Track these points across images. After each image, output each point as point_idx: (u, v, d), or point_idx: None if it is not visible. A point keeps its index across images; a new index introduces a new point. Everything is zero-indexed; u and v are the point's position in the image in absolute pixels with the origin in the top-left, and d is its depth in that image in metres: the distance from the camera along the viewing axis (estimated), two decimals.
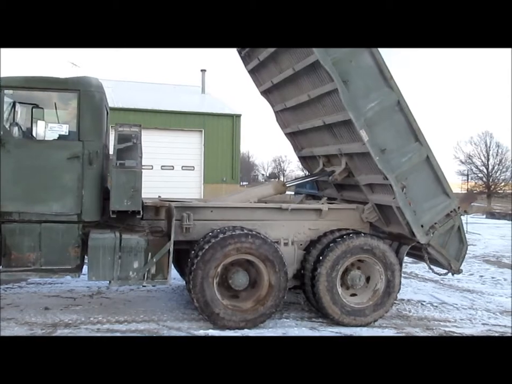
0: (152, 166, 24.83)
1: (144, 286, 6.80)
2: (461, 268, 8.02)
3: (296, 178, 9.25)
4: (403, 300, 8.97)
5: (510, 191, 47.58)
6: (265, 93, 9.21)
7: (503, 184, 49.43)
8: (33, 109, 6.85)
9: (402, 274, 8.24)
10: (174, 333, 6.46)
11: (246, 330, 6.69)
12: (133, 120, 24.81)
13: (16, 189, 6.31)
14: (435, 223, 7.48)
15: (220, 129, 27.47)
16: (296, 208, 7.67)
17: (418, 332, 6.98)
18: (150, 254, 6.45)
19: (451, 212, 7.67)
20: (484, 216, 34.15)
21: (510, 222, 26.05)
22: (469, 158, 50.28)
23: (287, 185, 8.54)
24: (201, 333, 6.45)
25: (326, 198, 8.55)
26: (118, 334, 6.26)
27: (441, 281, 10.67)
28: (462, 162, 49.94)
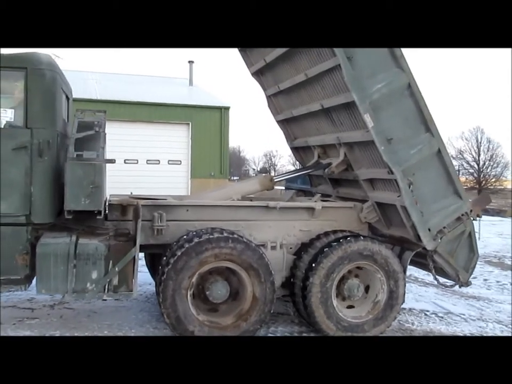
0: (114, 159, 23.65)
1: (105, 300, 5.84)
2: (469, 279, 7.10)
3: (286, 172, 8.22)
4: (404, 309, 7.98)
5: (500, 187, 47.16)
6: (257, 74, 8.22)
7: (494, 180, 48.92)
8: None
9: None
10: None
11: None
12: (117, 113, 23.97)
13: None
14: (444, 227, 6.55)
15: (207, 122, 26.47)
16: (285, 206, 6.70)
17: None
18: (111, 261, 5.44)
19: (462, 215, 6.73)
20: None
21: (504, 218, 25.39)
22: (460, 154, 49.75)
23: (275, 180, 7.55)
24: None
25: (320, 195, 7.57)
26: None
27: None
28: (453, 158, 49.04)
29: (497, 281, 10.96)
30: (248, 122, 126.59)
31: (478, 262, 13.19)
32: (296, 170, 8.10)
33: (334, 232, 6.67)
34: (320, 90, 6.77)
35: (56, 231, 5.62)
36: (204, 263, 5.68)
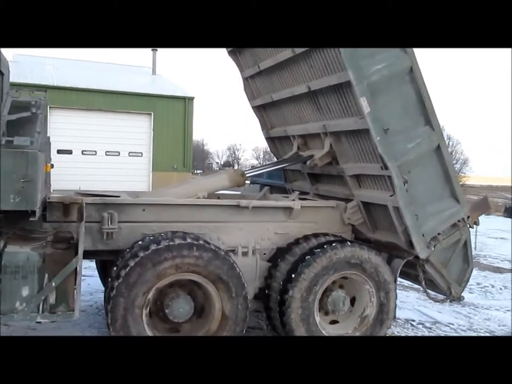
0: (72, 150, 22.67)
1: (39, 323, 4.74)
2: (462, 294, 6.34)
3: (260, 166, 7.25)
4: None
5: (460, 183, 47.64)
6: (234, 53, 7.27)
7: None
8: None
9: None
10: None
11: None
12: (75, 101, 22.57)
13: None
14: (438, 234, 5.75)
15: (170, 113, 25.20)
16: (259, 205, 5.76)
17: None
18: (47, 275, 4.38)
19: (458, 221, 5.96)
20: None
21: None
22: None
23: (247, 175, 6.58)
24: None
25: (298, 192, 6.62)
26: None
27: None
28: None
29: (478, 283, 10.41)
30: (211, 115, 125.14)
31: None
32: (272, 164, 7.14)
33: (315, 236, 5.76)
34: (308, 70, 5.86)
35: None
36: (163, 275, 4.68)
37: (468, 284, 9.81)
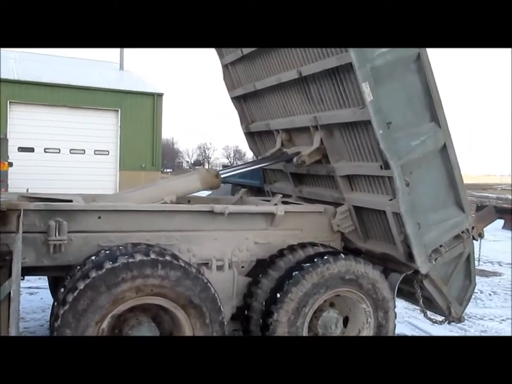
0: (34, 148, 21.59)
1: None
2: (463, 315, 5.64)
3: (238, 165, 6.32)
4: None
5: None
6: None
7: None
8: None
9: None
10: None
11: None
12: (37, 97, 21.35)
13: None
14: (440, 246, 5.01)
15: (138, 109, 24.11)
16: (236, 211, 4.93)
17: None
18: None
19: (462, 232, 5.24)
20: None
21: None
22: None
23: (222, 176, 5.72)
24: None
25: (281, 195, 5.76)
26: None
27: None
28: None
29: None
30: (181, 113, 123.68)
31: None
32: (252, 163, 6.25)
33: (302, 246, 4.96)
34: (299, 52, 5.05)
35: None
36: (120, 300, 3.78)
37: None
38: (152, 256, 3.94)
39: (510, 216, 19.00)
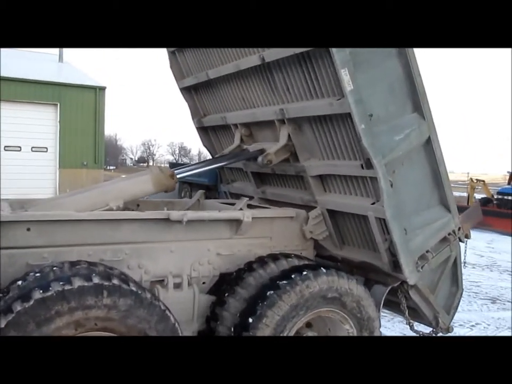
0: None
1: None
2: (451, 324, 5.16)
3: (194, 164, 5.48)
4: None
5: None
6: None
7: None
8: None
9: None
10: None
11: None
12: None
13: None
14: (427, 251, 4.47)
15: (79, 104, 22.71)
16: (196, 218, 4.19)
17: None
18: None
19: (449, 234, 4.73)
20: None
21: None
22: None
23: (178, 176, 4.86)
24: None
25: (247, 199, 5.00)
26: None
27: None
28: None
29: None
30: (125, 109, 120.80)
31: None
32: (209, 161, 5.45)
33: (274, 258, 4.28)
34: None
35: None
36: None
37: None
38: (95, 280, 3.15)
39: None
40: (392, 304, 4.80)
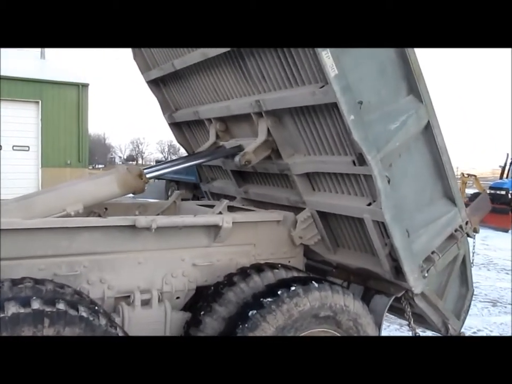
0: None
1: None
2: (462, 330, 4.69)
3: (167, 162, 4.87)
4: None
5: None
6: None
7: None
8: None
9: None
10: None
11: None
12: None
13: None
14: (432, 252, 3.94)
15: (62, 101, 22.04)
16: (167, 225, 3.64)
17: None
18: None
19: (456, 230, 4.19)
20: None
21: None
22: None
23: (148, 176, 4.24)
24: None
25: (227, 201, 4.42)
26: None
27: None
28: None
29: None
30: (113, 108, 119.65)
31: None
32: (182, 159, 4.83)
33: (258, 269, 3.74)
34: None
35: None
36: None
37: None
38: (35, 305, 2.61)
39: None
40: (396, 309, 4.29)
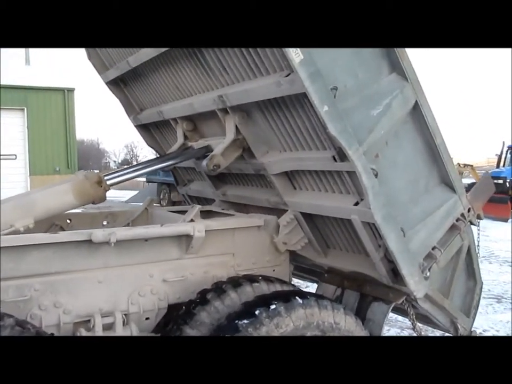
0: None
1: None
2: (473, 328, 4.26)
3: (130, 166, 4.37)
4: None
5: None
6: None
7: None
8: None
9: None
10: None
11: None
12: None
13: None
14: (433, 248, 3.47)
15: (47, 107, 21.87)
16: (128, 238, 3.23)
17: None
18: None
19: (457, 220, 3.72)
20: None
21: None
22: None
23: (108, 183, 3.76)
24: None
25: (199, 207, 3.95)
26: None
27: (403, 320, 6.10)
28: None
29: None
30: (105, 113, 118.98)
31: None
32: (147, 163, 4.35)
33: (235, 283, 3.32)
34: None
35: None
36: None
37: None
38: None
39: None
40: (398, 309, 3.85)
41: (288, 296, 3.08)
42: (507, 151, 20.07)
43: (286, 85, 2.84)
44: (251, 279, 3.40)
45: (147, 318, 3.34)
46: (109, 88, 4.89)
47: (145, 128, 5.07)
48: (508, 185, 18.05)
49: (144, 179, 24.29)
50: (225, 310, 3.13)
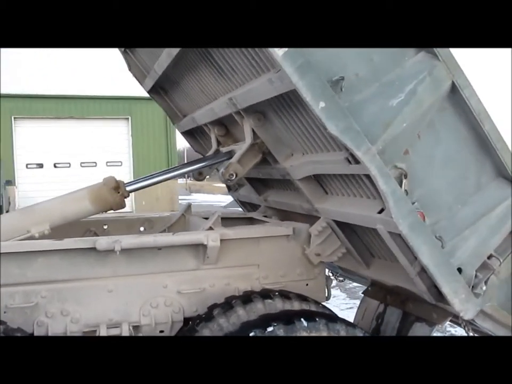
0: (43, 164, 20.71)
1: None
2: None
3: (151, 175, 4.18)
4: None
5: None
6: None
7: None
8: None
9: None
10: None
11: None
12: (42, 110, 20.17)
13: None
14: (489, 257, 2.92)
15: (149, 116, 22.49)
16: (134, 247, 3.09)
17: None
18: None
19: None
20: None
21: None
22: None
23: (128, 189, 3.74)
24: None
25: (218, 214, 3.61)
26: None
27: None
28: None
29: None
30: None
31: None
32: (169, 170, 4.26)
33: (246, 299, 3.06)
34: None
35: None
36: None
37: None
38: None
39: None
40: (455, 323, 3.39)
41: (292, 318, 2.76)
42: None
43: (277, 83, 2.53)
44: (265, 294, 3.10)
45: (161, 331, 3.19)
46: (151, 96, 4.83)
47: (190, 135, 4.95)
48: None
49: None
50: (229, 328, 2.89)
